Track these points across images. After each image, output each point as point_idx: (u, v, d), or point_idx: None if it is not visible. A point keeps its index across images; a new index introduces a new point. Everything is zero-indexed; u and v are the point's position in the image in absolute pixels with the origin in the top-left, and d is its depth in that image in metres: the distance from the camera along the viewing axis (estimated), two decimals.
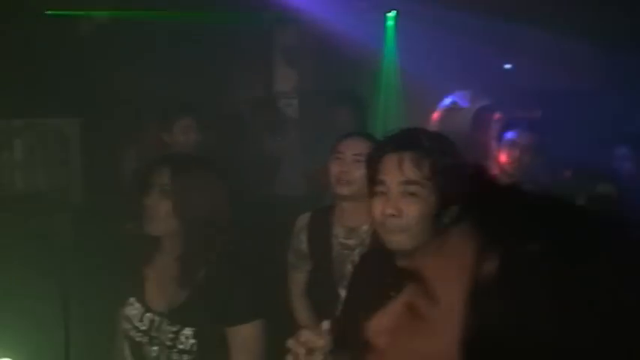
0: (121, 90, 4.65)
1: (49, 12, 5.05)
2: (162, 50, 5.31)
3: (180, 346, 2.40)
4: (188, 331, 2.41)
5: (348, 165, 2.82)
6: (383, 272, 1.79)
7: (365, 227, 2.79)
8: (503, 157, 3.61)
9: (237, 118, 5.19)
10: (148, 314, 2.50)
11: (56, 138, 4.61)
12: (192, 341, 2.40)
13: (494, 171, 3.49)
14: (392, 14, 6.34)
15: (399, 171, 1.82)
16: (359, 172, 2.57)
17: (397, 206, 1.82)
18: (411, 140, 1.84)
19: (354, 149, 2.82)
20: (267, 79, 6.88)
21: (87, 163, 4.64)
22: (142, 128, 4.37)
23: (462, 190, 0.84)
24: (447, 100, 4.89)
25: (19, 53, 4.72)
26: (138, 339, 2.50)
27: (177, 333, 2.43)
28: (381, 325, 0.78)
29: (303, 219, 3.04)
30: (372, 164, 1.91)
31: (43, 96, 4.62)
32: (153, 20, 5.37)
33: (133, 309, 2.54)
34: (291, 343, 1.49)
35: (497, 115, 4.13)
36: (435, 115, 4.86)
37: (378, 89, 6.37)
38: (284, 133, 5.06)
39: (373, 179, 1.89)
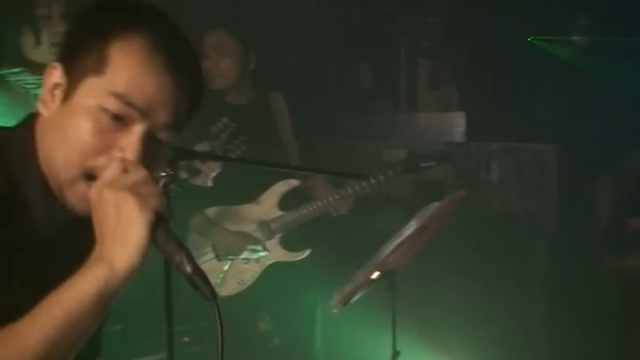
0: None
1: (531, 38, 5.15)
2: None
3: None
4: None
5: None
6: None
7: None
8: None
9: None
10: None
11: (533, 163, 4.65)
12: None
13: None
14: None
15: None
16: None
17: None
18: None
19: None
20: None
21: (563, 190, 4.59)
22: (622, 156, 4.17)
23: None
24: None
25: (501, 79, 4.90)
26: None
27: None
28: None
29: None
30: None
31: (523, 121, 4.72)
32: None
33: None
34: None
35: None
36: None
37: None
38: None
39: None
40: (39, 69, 3.16)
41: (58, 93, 1.29)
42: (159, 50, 1.25)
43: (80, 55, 1.27)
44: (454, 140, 4.90)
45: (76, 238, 1.30)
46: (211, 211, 3.61)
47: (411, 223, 2.44)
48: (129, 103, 1.24)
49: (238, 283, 3.58)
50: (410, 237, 2.43)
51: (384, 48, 5.42)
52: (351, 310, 2.80)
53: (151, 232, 1.17)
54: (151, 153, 1.28)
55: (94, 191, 1.21)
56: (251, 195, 3.62)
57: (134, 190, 1.18)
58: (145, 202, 1.17)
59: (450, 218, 2.82)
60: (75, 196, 1.27)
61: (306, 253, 3.66)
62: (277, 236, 3.63)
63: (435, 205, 2.51)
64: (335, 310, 3.23)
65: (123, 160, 1.23)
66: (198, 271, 1.17)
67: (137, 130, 1.25)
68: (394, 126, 5.31)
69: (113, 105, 1.23)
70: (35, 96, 3.17)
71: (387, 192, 4.42)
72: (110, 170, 1.22)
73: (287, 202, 3.65)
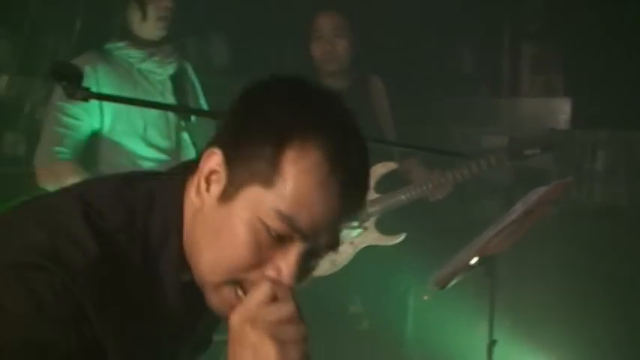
0: None
1: None
2: None
3: None
4: None
5: None
6: None
7: None
8: None
9: None
10: None
11: None
12: None
13: None
14: None
15: None
16: None
17: None
18: None
19: None
20: None
21: None
22: None
23: None
24: None
25: (608, 64, 4.69)
26: None
27: None
28: None
29: None
30: None
31: (631, 107, 4.49)
32: None
33: None
34: None
35: None
36: None
37: None
38: None
39: None
40: (144, 44, 3.22)
41: (215, 180, 1.19)
42: (336, 169, 1.15)
43: (248, 155, 1.16)
44: (558, 127, 4.72)
45: (194, 306, 1.26)
46: None
47: (517, 206, 2.36)
48: (293, 227, 1.15)
49: (331, 263, 3.57)
50: (514, 221, 2.35)
51: (486, 31, 5.27)
52: (445, 296, 2.74)
53: None
54: (304, 270, 1.20)
55: (235, 317, 1.13)
56: None
57: (276, 333, 1.09)
58: (285, 354, 1.08)
59: (551, 208, 2.72)
60: (217, 300, 1.21)
61: (401, 237, 3.61)
62: (372, 219, 3.59)
63: (542, 189, 2.42)
64: (426, 297, 3.17)
65: (274, 283, 1.15)
66: None
67: (296, 252, 1.17)
68: (494, 112, 5.17)
69: (277, 225, 1.14)
70: (139, 70, 3.23)
71: (485, 179, 4.30)
72: (257, 295, 1.13)
73: (383, 185, 3.61)
